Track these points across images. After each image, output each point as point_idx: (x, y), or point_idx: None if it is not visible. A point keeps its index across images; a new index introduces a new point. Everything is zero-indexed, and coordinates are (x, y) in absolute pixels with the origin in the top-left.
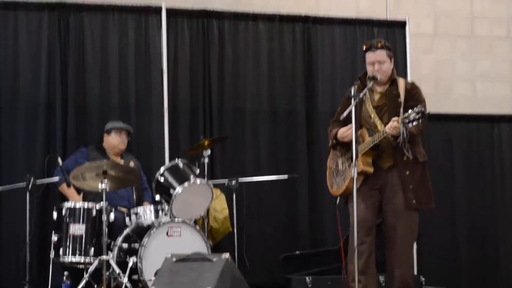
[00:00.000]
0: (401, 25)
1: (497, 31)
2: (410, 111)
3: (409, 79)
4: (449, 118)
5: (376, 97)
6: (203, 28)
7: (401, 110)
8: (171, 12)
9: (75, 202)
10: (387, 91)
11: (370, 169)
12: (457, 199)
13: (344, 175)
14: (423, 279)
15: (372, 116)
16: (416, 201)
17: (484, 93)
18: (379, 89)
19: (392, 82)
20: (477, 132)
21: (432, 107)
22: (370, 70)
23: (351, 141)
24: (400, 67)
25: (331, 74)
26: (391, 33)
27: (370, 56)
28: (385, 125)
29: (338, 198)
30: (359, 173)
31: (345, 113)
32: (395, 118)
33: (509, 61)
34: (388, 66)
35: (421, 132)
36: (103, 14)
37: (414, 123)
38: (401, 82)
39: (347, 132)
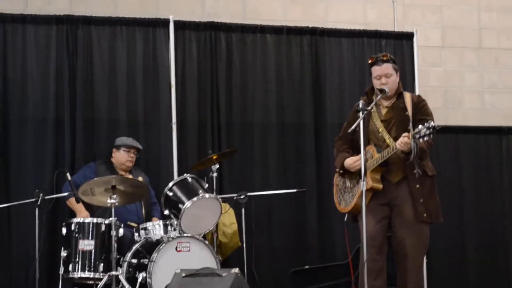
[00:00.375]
0: (409, 37)
1: (505, 42)
2: (420, 126)
3: (417, 91)
4: (457, 130)
5: (384, 111)
6: (211, 41)
7: (410, 124)
8: (178, 25)
9: (83, 217)
10: (394, 105)
11: (379, 186)
12: (465, 211)
13: (353, 192)
14: None
15: (381, 130)
16: (426, 214)
17: (493, 105)
18: (385, 103)
19: (399, 95)
20: (485, 144)
21: (441, 119)
22: (377, 83)
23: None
24: (408, 79)
25: (339, 86)
26: (399, 45)
27: (376, 70)
28: (394, 139)
29: (346, 215)
30: (368, 190)
31: (353, 126)
32: (405, 134)
33: None
34: (394, 79)
35: (430, 146)
36: (111, 27)
37: (426, 138)
38: (407, 96)
39: (355, 164)
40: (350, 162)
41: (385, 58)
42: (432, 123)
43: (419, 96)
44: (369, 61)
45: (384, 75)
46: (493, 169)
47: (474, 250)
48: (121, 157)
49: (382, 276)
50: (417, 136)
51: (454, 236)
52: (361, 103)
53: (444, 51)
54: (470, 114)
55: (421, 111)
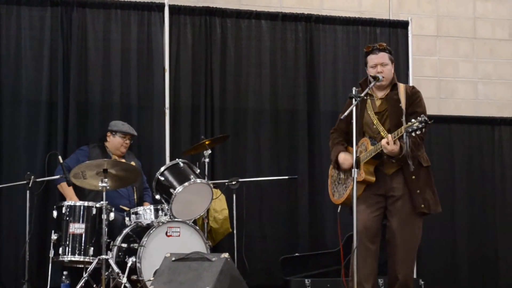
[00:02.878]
0: (404, 25)
1: (499, 33)
2: (413, 120)
3: (411, 80)
4: (450, 120)
5: (378, 103)
6: (206, 26)
7: (403, 118)
8: (173, 9)
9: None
10: (387, 96)
11: (372, 178)
12: (457, 202)
13: (346, 183)
14: (422, 282)
15: (375, 122)
16: (424, 205)
17: (486, 96)
18: (379, 94)
19: (393, 87)
20: (478, 135)
21: (434, 108)
22: (372, 71)
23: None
24: (402, 68)
25: (333, 74)
26: (394, 34)
27: (372, 58)
28: (387, 131)
29: (340, 207)
30: (361, 182)
31: (346, 112)
32: (384, 140)
33: None
34: (390, 69)
35: (422, 139)
36: (106, 11)
37: (418, 132)
38: (401, 87)
39: (348, 159)
40: (343, 158)
41: (381, 47)
42: (424, 118)
43: (413, 87)
44: (365, 50)
45: (380, 64)
46: (485, 159)
47: (464, 239)
48: (116, 143)
49: (375, 265)
50: (409, 129)
51: (445, 226)
52: (354, 90)
53: (439, 41)
54: (463, 104)
55: (415, 103)
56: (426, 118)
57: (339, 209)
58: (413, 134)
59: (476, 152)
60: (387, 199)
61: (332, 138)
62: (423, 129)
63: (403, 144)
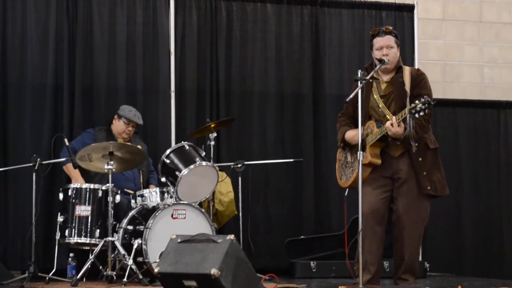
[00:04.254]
0: (410, 9)
1: (505, 16)
2: (416, 102)
3: (416, 64)
4: (456, 103)
5: (383, 86)
6: (211, 9)
7: (407, 100)
8: None
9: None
10: (393, 79)
11: (378, 161)
12: (462, 185)
13: (353, 166)
14: (427, 265)
15: (381, 106)
16: (431, 188)
17: (492, 79)
18: (385, 78)
19: (398, 70)
20: (483, 119)
21: (439, 92)
22: (377, 54)
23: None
24: (408, 51)
25: (339, 57)
26: (399, 17)
27: (378, 41)
28: (393, 114)
29: (347, 191)
30: (367, 165)
31: (351, 95)
32: (389, 122)
33: None
34: (395, 52)
35: (429, 120)
36: None
37: (421, 113)
38: (406, 70)
39: (356, 136)
40: (351, 134)
41: (387, 30)
42: (427, 98)
43: (418, 69)
44: (371, 33)
45: (386, 46)
46: (490, 143)
47: (469, 223)
48: (119, 127)
49: (381, 247)
50: (413, 111)
51: (450, 209)
52: (359, 72)
53: (445, 24)
54: (468, 88)
55: (420, 85)
56: (429, 99)
57: (346, 192)
58: (417, 115)
59: (481, 136)
60: (394, 182)
61: (339, 121)
62: (426, 110)
63: (407, 126)
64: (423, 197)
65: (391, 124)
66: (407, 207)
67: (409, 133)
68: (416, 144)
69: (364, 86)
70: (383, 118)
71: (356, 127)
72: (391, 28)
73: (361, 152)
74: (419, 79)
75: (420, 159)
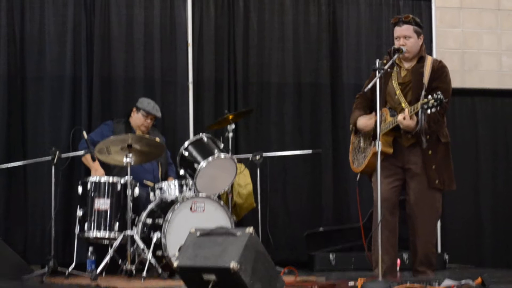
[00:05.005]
0: None
1: None
2: (429, 97)
3: (434, 52)
4: (474, 92)
5: (403, 73)
6: (229, 0)
7: (423, 93)
8: None
9: (99, 175)
10: (413, 68)
11: (390, 150)
12: (481, 175)
13: (365, 152)
14: (447, 256)
15: (397, 93)
16: (439, 181)
17: (510, 68)
18: (406, 65)
19: (420, 59)
20: (502, 107)
21: (458, 81)
22: (396, 44)
23: (370, 131)
24: (426, 40)
25: (356, 47)
26: (417, 6)
27: (396, 30)
28: (409, 103)
29: (359, 175)
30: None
31: (369, 85)
32: (401, 114)
33: None
34: (414, 41)
35: (442, 115)
36: None
37: (433, 109)
38: (428, 61)
39: (368, 123)
40: (363, 122)
41: (406, 20)
42: (439, 95)
43: (440, 62)
44: (392, 21)
45: (403, 37)
46: (509, 132)
47: (488, 213)
48: (138, 120)
49: (395, 237)
50: (425, 106)
51: (469, 200)
52: (377, 62)
53: (462, 12)
54: (487, 77)
55: (440, 78)
56: (442, 97)
57: (358, 177)
58: (428, 111)
59: (500, 125)
60: (405, 172)
61: (356, 102)
62: (438, 107)
63: (419, 119)
64: (433, 189)
65: (403, 118)
66: (418, 200)
67: (421, 127)
68: (428, 137)
69: (383, 75)
70: (398, 106)
71: (372, 111)
72: (411, 16)
73: (379, 142)
74: (439, 72)
75: (430, 152)
